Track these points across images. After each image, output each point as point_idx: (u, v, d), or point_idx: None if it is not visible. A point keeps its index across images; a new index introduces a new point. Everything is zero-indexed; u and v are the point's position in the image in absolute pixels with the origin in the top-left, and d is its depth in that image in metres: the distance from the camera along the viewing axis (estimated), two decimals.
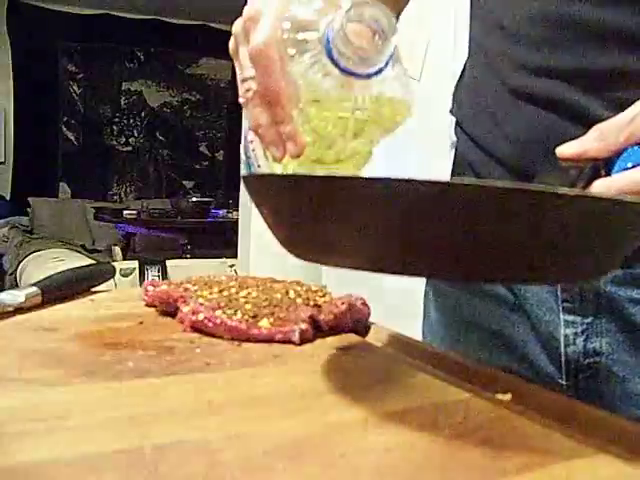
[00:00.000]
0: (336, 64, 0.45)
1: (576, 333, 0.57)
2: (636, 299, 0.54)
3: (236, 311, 0.52)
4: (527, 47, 0.56)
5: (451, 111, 0.71)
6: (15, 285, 3.77)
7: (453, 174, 0.71)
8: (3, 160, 5.03)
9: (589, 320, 0.57)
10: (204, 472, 0.28)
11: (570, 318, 0.58)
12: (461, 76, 0.70)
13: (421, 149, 1.81)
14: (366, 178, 0.30)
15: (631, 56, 0.51)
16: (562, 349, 0.58)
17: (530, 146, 0.56)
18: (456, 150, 0.71)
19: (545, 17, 0.55)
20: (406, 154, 1.86)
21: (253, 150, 0.54)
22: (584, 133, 0.44)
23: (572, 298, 0.57)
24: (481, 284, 0.64)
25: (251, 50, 0.47)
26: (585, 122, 0.46)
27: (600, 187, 0.41)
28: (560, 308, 0.58)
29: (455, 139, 0.70)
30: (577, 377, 0.58)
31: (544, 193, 0.29)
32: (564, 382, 0.59)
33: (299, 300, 0.56)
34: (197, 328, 0.52)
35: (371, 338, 0.55)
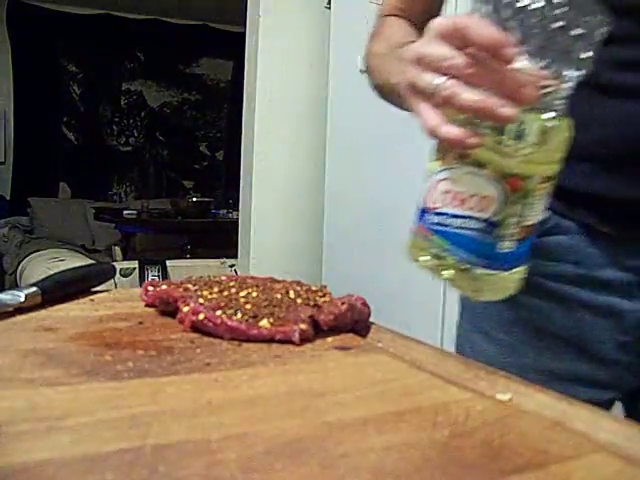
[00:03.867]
0: None
1: None
2: None
3: (236, 311, 0.52)
4: (618, 42, 0.55)
5: None
6: (15, 285, 3.77)
7: None
8: (3, 160, 5.03)
9: None
10: (204, 472, 0.28)
11: None
12: None
13: (421, 149, 1.81)
14: None
15: None
16: None
17: (623, 143, 0.57)
18: None
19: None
20: (406, 154, 1.86)
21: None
22: None
23: None
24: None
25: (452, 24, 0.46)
26: None
27: None
28: None
29: None
30: None
31: None
32: None
33: (299, 300, 0.56)
34: (197, 328, 0.52)
35: (371, 338, 0.55)
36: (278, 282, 0.63)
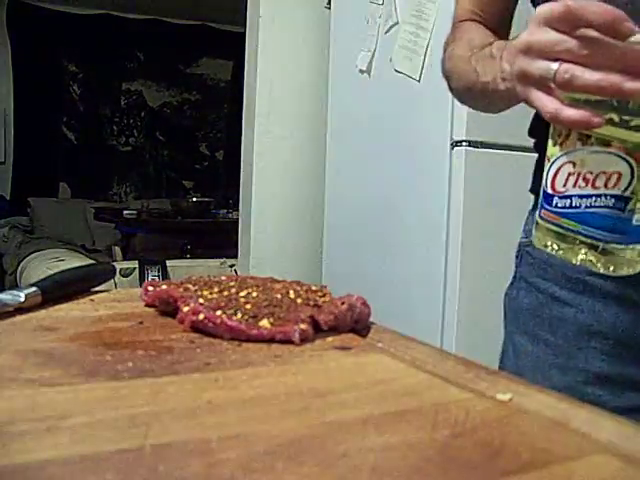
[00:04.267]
0: None
1: None
2: None
3: (236, 311, 0.52)
4: None
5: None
6: (15, 285, 3.76)
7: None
8: (3, 160, 5.03)
9: None
10: (204, 472, 0.28)
11: None
12: None
13: (421, 149, 1.81)
14: None
15: None
16: None
17: None
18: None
19: None
20: (406, 154, 1.86)
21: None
22: None
23: None
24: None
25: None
26: None
27: None
28: None
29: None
30: None
31: None
32: None
33: (299, 300, 0.56)
34: (197, 328, 0.52)
35: (371, 338, 0.55)
36: (278, 282, 0.63)
